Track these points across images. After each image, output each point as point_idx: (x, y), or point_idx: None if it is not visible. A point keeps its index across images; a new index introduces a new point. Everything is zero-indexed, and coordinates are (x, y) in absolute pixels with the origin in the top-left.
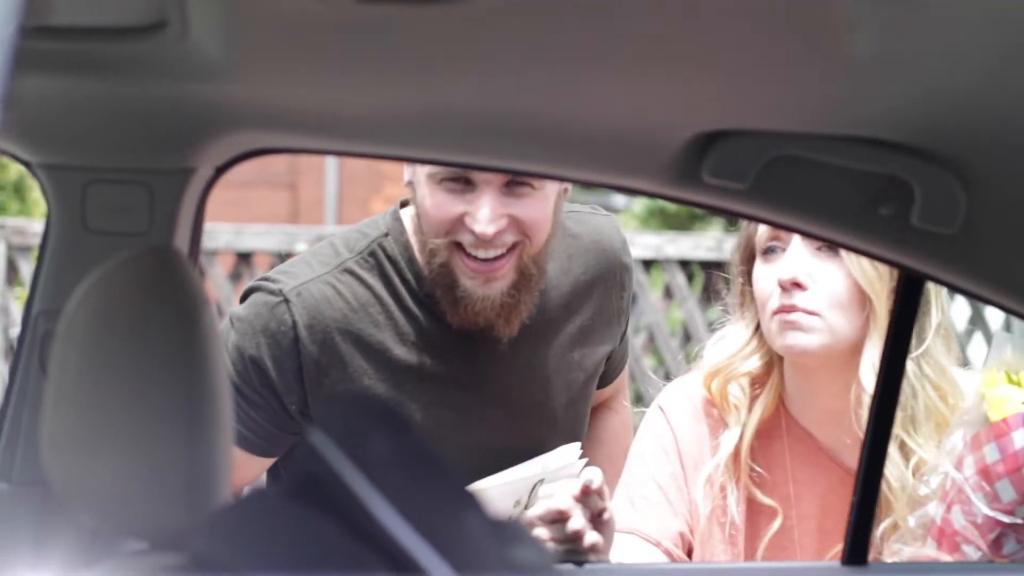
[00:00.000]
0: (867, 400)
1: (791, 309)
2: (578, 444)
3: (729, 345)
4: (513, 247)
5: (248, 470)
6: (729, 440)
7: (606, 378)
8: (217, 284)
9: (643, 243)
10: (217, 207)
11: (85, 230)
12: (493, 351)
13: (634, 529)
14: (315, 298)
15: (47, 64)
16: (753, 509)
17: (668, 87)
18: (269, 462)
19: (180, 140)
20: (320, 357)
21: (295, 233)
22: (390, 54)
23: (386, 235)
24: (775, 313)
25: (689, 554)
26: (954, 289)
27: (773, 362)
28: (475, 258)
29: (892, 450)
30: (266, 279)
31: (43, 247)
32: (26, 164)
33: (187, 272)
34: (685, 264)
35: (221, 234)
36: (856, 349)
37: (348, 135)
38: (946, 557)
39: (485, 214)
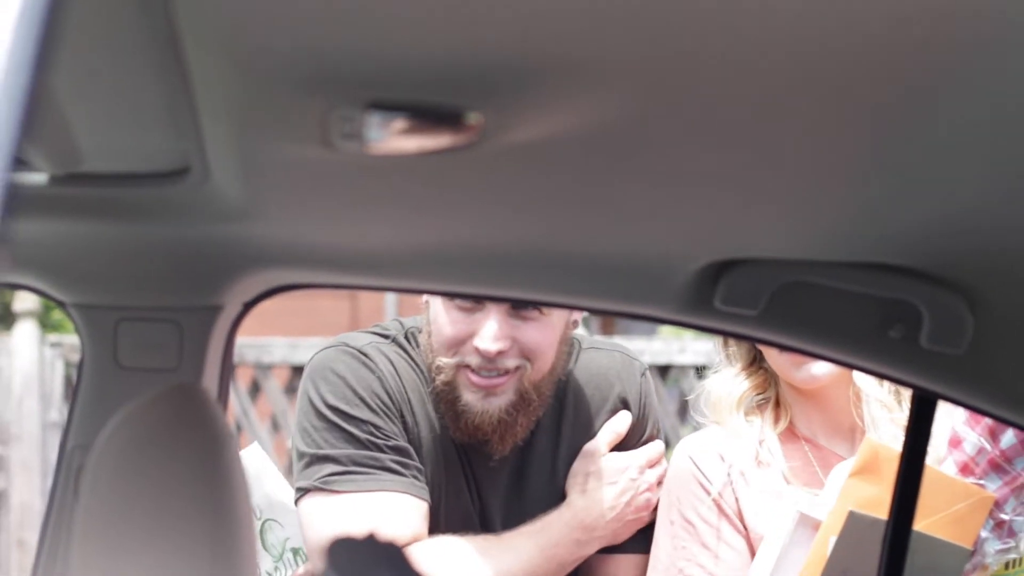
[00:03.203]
0: (867, 406)
1: None
2: None
3: (724, 375)
4: (515, 370)
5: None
6: (754, 434)
7: None
8: (272, 398)
9: (695, 350)
10: (279, 317)
11: (117, 366)
12: (485, 466)
13: None
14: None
15: (78, 209)
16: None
17: (679, 218)
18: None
19: (207, 279)
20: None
21: None
22: (401, 194)
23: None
24: None
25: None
26: (966, 407)
27: (769, 382)
28: (479, 374)
29: None
30: None
31: (77, 383)
32: (60, 303)
33: (212, 408)
34: None
35: (276, 348)
36: None
37: (366, 270)
38: None
39: (491, 331)
